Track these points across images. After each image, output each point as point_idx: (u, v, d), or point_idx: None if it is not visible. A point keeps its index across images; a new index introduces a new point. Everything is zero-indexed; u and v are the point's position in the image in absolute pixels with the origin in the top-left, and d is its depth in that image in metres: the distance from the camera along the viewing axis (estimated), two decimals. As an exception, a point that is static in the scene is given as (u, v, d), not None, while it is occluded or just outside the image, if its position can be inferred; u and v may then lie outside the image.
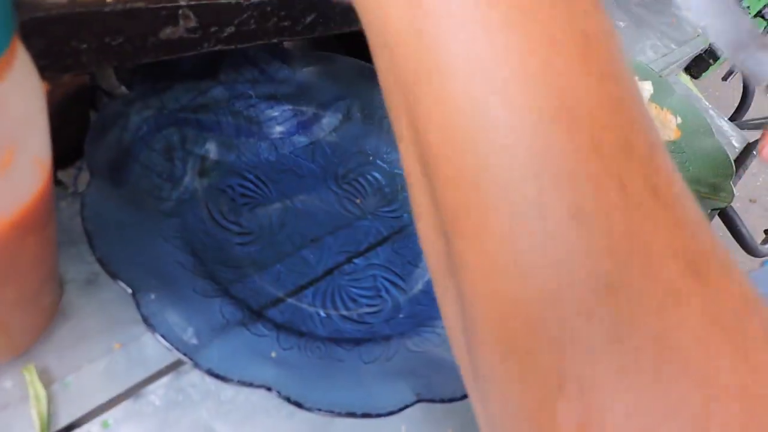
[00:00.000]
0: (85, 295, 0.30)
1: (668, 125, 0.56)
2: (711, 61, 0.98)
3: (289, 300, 0.32)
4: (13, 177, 0.19)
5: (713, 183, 0.54)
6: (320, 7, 0.35)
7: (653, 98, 0.57)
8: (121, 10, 0.27)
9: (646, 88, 0.55)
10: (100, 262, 0.25)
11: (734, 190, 0.54)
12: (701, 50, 0.96)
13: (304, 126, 0.41)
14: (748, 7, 1.06)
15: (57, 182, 0.32)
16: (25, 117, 0.18)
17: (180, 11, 0.29)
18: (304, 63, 0.41)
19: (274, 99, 0.40)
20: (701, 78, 1.01)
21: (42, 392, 0.26)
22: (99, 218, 0.26)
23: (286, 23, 0.34)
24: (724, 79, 1.28)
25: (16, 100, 0.18)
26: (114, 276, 0.25)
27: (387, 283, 0.36)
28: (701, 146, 0.59)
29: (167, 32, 0.29)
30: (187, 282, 0.28)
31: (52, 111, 0.29)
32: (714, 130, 0.73)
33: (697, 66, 0.98)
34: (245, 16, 0.32)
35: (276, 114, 0.40)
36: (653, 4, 0.97)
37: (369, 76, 0.43)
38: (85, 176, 0.32)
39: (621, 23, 0.85)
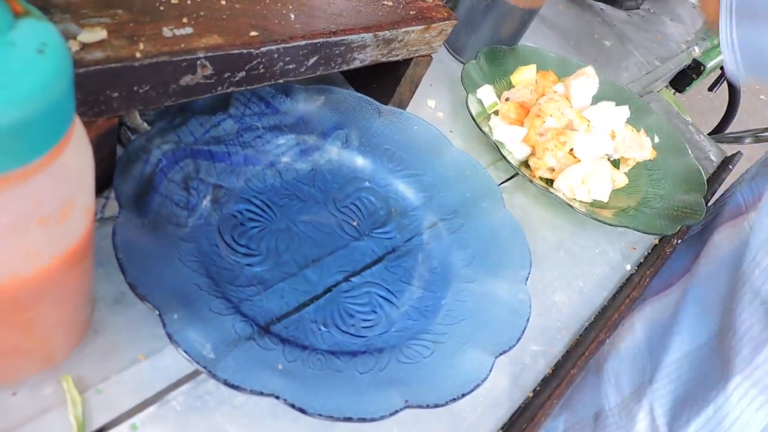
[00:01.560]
0: (113, 312, 0.33)
1: (645, 146, 0.60)
2: (694, 76, 1.02)
3: (293, 316, 0.36)
4: (68, 225, 0.23)
5: (686, 200, 0.58)
6: (321, 50, 0.39)
7: (630, 121, 0.61)
8: (148, 63, 0.30)
9: (623, 113, 0.58)
10: (131, 286, 0.28)
11: (705, 207, 0.57)
12: (685, 65, 1.00)
13: (306, 153, 0.45)
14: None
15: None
16: (80, 175, 0.22)
17: (198, 61, 0.33)
18: (305, 96, 0.45)
19: (278, 130, 0.44)
20: (685, 92, 1.05)
21: (78, 398, 0.30)
22: (128, 246, 0.30)
23: (290, 66, 0.38)
24: (710, 89, 1.33)
25: (74, 163, 0.21)
26: (142, 299, 0.28)
27: (381, 300, 0.39)
28: (676, 165, 0.63)
29: (187, 79, 0.33)
30: (204, 302, 0.32)
31: (86, 151, 0.32)
32: (691, 145, 0.77)
33: (681, 81, 1.02)
34: (255, 62, 0.35)
35: (281, 143, 0.44)
36: (639, 21, 1.01)
37: (365, 107, 0.47)
38: (112, 204, 0.36)
39: (607, 42, 0.89)
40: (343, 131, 0.46)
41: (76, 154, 0.22)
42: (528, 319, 0.37)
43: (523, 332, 0.36)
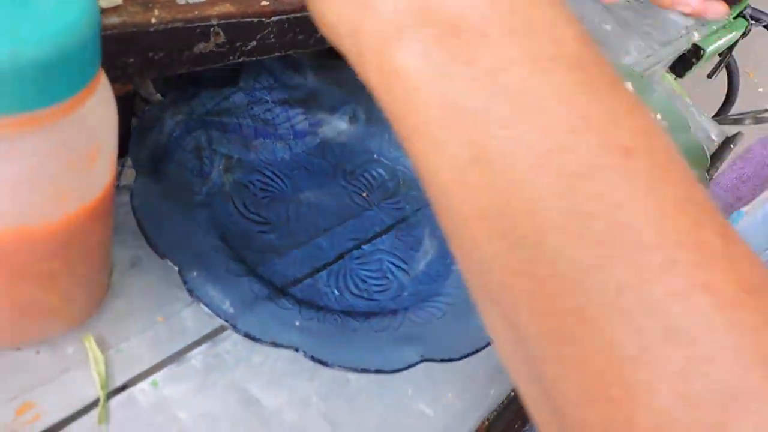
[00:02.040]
0: (130, 276, 0.34)
1: (648, 122, 0.60)
2: (694, 60, 1.02)
3: (307, 281, 0.37)
4: (95, 173, 0.23)
5: (690, 175, 0.59)
6: (330, 21, 0.39)
7: (634, 98, 0.62)
8: (163, 28, 0.31)
9: (627, 88, 0.59)
10: (150, 244, 0.29)
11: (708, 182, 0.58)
12: (684, 50, 1.00)
13: (314, 128, 0.46)
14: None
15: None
16: (106, 122, 0.23)
17: (212, 29, 0.33)
18: (314, 71, 0.45)
19: (287, 104, 0.44)
20: (685, 77, 1.06)
21: (100, 356, 0.30)
22: (146, 209, 0.31)
23: (300, 37, 0.39)
24: (709, 76, 1.33)
25: (100, 110, 0.22)
26: (163, 256, 0.29)
27: (392, 266, 0.40)
28: (679, 141, 0.63)
29: (200, 47, 0.34)
30: (221, 263, 0.33)
31: (103, 117, 0.33)
32: (693, 126, 0.77)
33: (681, 65, 1.02)
34: (266, 31, 0.36)
35: (290, 117, 0.44)
36: (639, 7, 1.02)
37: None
38: (127, 172, 0.36)
39: (607, 26, 0.90)
40: (350, 106, 0.47)
41: (102, 102, 0.22)
42: None
43: None
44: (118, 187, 0.37)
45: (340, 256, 0.39)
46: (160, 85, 0.38)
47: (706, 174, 0.58)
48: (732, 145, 0.77)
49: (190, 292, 0.29)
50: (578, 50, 0.17)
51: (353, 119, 0.47)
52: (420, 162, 0.18)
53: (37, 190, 0.21)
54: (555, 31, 0.17)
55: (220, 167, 0.39)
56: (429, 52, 0.17)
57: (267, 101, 0.43)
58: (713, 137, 0.78)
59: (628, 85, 0.58)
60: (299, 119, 0.45)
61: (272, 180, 0.41)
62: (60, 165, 0.21)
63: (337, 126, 0.47)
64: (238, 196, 0.39)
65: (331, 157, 0.45)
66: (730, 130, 0.84)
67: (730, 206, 0.60)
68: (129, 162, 0.36)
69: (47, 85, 0.19)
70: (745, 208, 0.48)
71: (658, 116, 0.66)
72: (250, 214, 0.38)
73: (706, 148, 0.63)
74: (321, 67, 0.46)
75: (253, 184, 0.40)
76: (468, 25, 0.17)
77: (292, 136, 0.44)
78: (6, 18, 0.17)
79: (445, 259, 0.41)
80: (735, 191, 0.58)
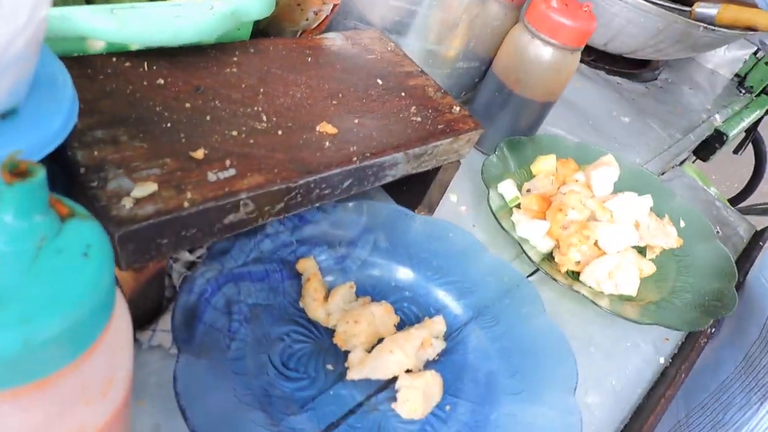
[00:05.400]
0: (152, 446, 0.34)
1: (670, 234, 0.60)
2: (717, 145, 1.02)
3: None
4: (111, 396, 0.24)
5: (716, 289, 0.58)
6: (355, 173, 0.41)
7: (654, 207, 0.62)
8: (195, 211, 0.32)
9: (646, 202, 0.59)
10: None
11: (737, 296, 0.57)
12: (707, 136, 1.01)
13: (339, 262, 0.47)
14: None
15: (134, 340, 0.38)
16: (121, 347, 0.24)
17: (241, 202, 0.35)
18: (341, 208, 0.47)
19: (310, 242, 0.45)
20: (709, 161, 1.06)
21: None
22: (188, 391, 0.31)
23: (326, 191, 0.40)
24: (735, 152, 1.33)
25: (115, 339, 0.23)
26: None
27: (431, 417, 0.40)
28: (704, 251, 0.63)
29: (230, 218, 0.35)
30: None
31: (138, 291, 0.34)
32: (719, 222, 0.77)
33: (705, 150, 1.02)
34: (293, 194, 0.37)
35: (314, 255, 0.45)
36: (658, 93, 1.03)
37: (400, 217, 0.48)
38: (158, 336, 0.37)
39: (626, 119, 0.90)
40: (372, 235, 0.48)
41: (117, 329, 0.23)
42: None
43: None
44: (146, 349, 0.38)
45: (368, 398, 0.40)
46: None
47: (735, 290, 0.57)
48: (761, 243, 0.76)
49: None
50: None
51: (375, 247, 0.48)
52: None
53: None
54: None
55: (245, 318, 0.40)
56: None
57: (292, 243, 0.45)
58: (741, 233, 0.78)
59: (647, 199, 0.58)
60: (324, 257, 0.46)
61: (307, 329, 0.42)
62: (77, 407, 0.22)
63: (360, 256, 0.48)
64: (275, 353, 0.39)
65: (363, 295, 0.46)
66: (759, 221, 0.83)
67: None
68: (160, 326, 0.37)
69: (62, 352, 0.19)
70: None
71: (682, 223, 0.66)
72: (288, 372, 0.39)
73: (732, 254, 0.62)
74: (347, 204, 0.47)
75: (289, 336, 0.41)
76: None
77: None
78: (17, 299, 0.17)
79: (483, 406, 0.41)
80: None
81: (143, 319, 0.37)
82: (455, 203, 0.61)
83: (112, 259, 0.20)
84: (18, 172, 0.18)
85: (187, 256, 0.40)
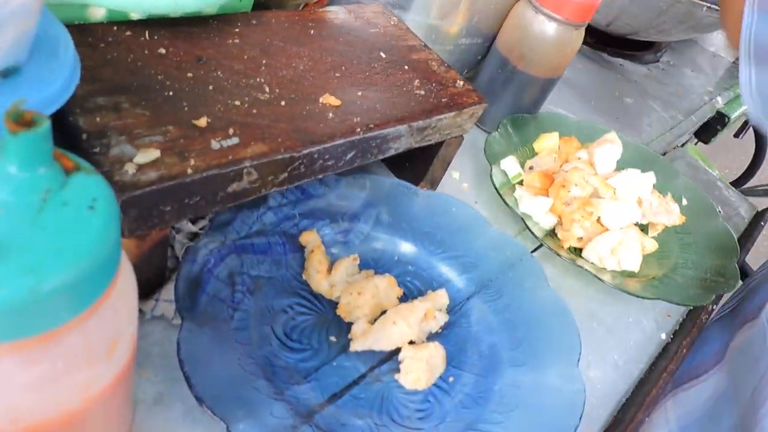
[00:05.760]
0: (153, 414, 0.34)
1: (672, 212, 0.60)
2: (719, 127, 1.02)
3: (344, 404, 0.37)
4: (116, 357, 0.24)
5: (718, 265, 0.58)
6: (359, 145, 0.41)
7: (656, 185, 0.62)
8: (198, 178, 0.32)
9: (649, 178, 0.59)
10: (198, 399, 0.30)
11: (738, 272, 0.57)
12: (709, 117, 1.00)
13: (342, 236, 0.46)
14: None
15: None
16: (126, 309, 0.23)
17: (245, 170, 0.34)
18: (344, 183, 0.46)
19: (313, 216, 0.45)
20: (711, 143, 1.05)
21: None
22: (192, 358, 0.31)
23: (329, 162, 0.40)
24: (737, 136, 1.32)
25: (121, 300, 0.23)
26: (213, 411, 0.29)
27: (434, 388, 0.40)
28: (706, 228, 0.63)
29: (233, 186, 0.35)
30: (266, 407, 0.33)
31: (141, 259, 0.34)
32: (721, 202, 0.77)
33: (706, 132, 1.02)
34: (296, 164, 0.37)
35: (316, 229, 0.45)
36: (660, 75, 1.02)
37: (402, 192, 0.48)
38: (161, 306, 0.37)
39: (628, 99, 0.90)
40: (374, 210, 0.47)
41: (122, 290, 0.23)
42: (582, 410, 0.37)
43: (580, 420, 0.37)
44: (149, 319, 0.37)
45: (371, 370, 0.40)
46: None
47: (736, 266, 0.57)
48: (762, 223, 0.76)
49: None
50: None
51: (377, 222, 0.48)
52: None
53: (59, 390, 0.22)
54: None
55: (248, 290, 0.40)
56: None
57: (295, 216, 0.44)
58: (742, 213, 0.78)
59: (650, 176, 0.58)
60: (326, 231, 0.46)
61: (309, 301, 0.42)
62: (82, 364, 0.22)
63: (363, 230, 0.48)
64: (278, 324, 0.39)
65: (364, 267, 0.45)
66: (760, 202, 0.83)
67: None
68: (162, 296, 0.37)
69: (66, 305, 0.19)
70: None
71: (684, 201, 0.66)
72: (291, 342, 0.39)
73: (734, 234, 0.62)
74: (349, 178, 0.47)
75: (292, 308, 0.41)
76: None
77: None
78: (23, 249, 0.17)
79: (486, 377, 0.41)
80: None
81: (146, 288, 0.37)
82: (458, 180, 0.61)
83: (117, 214, 0.20)
84: (22, 122, 0.18)
85: (189, 227, 0.40)
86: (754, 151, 1.26)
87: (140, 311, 0.37)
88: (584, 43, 0.98)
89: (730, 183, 1.31)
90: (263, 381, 0.35)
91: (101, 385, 0.24)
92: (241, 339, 0.36)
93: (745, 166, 1.32)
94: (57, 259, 0.18)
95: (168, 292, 0.37)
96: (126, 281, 0.23)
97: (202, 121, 0.35)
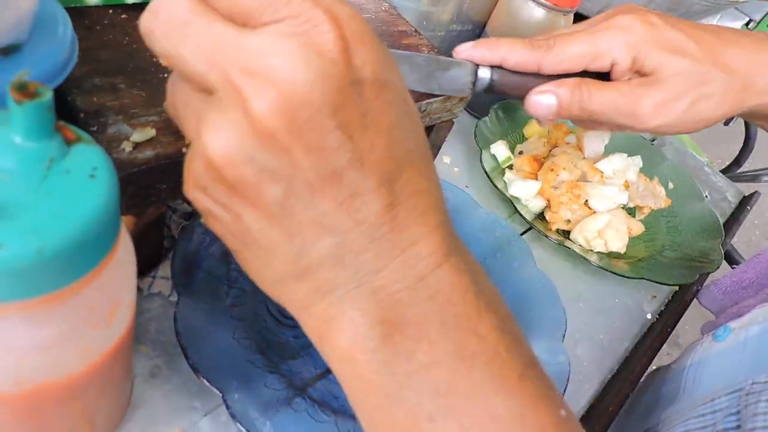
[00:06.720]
0: (150, 387, 0.35)
1: (659, 195, 0.61)
2: (707, 114, 1.03)
3: (333, 384, 0.38)
4: (115, 323, 0.25)
5: (703, 247, 0.59)
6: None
7: (643, 169, 0.63)
8: (194, 156, 0.33)
9: (636, 162, 0.60)
10: (194, 369, 0.31)
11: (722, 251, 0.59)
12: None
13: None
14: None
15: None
16: (125, 276, 0.25)
17: (238, 150, 0.35)
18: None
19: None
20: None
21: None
22: (188, 331, 0.32)
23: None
24: (726, 123, 1.34)
25: (120, 267, 0.24)
26: (209, 381, 0.31)
27: None
28: (692, 211, 0.64)
29: (227, 166, 0.36)
30: (260, 378, 0.34)
31: (138, 236, 0.35)
32: (708, 186, 0.78)
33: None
34: (289, 144, 0.38)
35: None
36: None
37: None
38: (158, 282, 0.38)
39: (618, 87, 0.91)
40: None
41: (122, 258, 0.24)
42: (567, 382, 0.39)
43: (564, 391, 0.38)
44: (146, 296, 0.39)
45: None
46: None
47: (720, 248, 0.58)
48: (749, 207, 0.78)
49: (233, 416, 0.30)
50: (495, 342, 0.23)
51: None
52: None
53: (62, 352, 0.23)
54: (480, 326, 0.23)
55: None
56: (378, 348, 0.22)
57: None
58: (729, 198, 0.79)
59: (637, 159, 0.59)
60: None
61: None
62: (84, 328, 0.23)
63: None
64: (272, 302, 0.40)
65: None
66: (747, 188, 0.85)
67: (724, 312, 0.59)
68: (159, 273, 0.38)
69: (70, 267, 0.20)
70: (733, 324, 0.47)
71: (671, 185, 0.67)
72: (285, 319, 0.40)
73: (720, 217, 0.64)
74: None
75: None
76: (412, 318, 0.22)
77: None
78: (29, 213, 0.18)
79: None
80: (733, 295, 0.58)
81: (143, 266, 0.38)
82: (449, 165, 0.62)
83: (117, 182, 0.21)
84: (27, 92, 0.19)
85: (185, 207, 0.40)
86: (743, 139, 1.28)
87: (138, 288, 0.38)
88: (575, 31, 0.98)
89: (721, 171, 1.32)
90: (258, 355, 0.36)
91: (101, 351, 0.25)
92: (236, 315, 0.37)
93: (732, 160, 1.34)
94: (61, 223, 0.19)
95: (165, 269, 0.38)
96: (125, 250, 0.24)
97: (197, 102, 0.35)
